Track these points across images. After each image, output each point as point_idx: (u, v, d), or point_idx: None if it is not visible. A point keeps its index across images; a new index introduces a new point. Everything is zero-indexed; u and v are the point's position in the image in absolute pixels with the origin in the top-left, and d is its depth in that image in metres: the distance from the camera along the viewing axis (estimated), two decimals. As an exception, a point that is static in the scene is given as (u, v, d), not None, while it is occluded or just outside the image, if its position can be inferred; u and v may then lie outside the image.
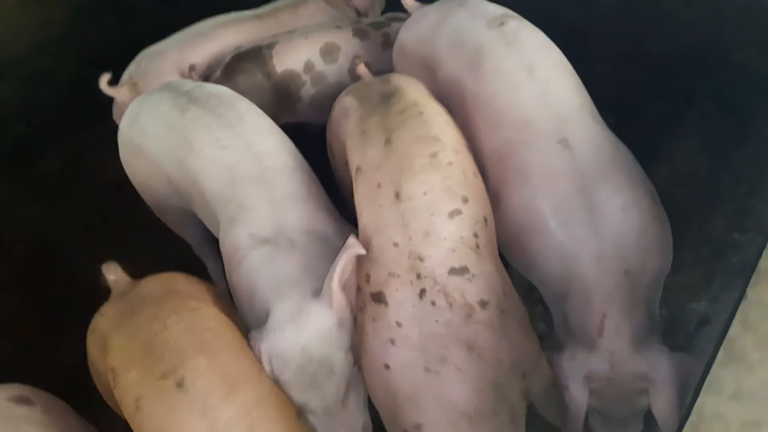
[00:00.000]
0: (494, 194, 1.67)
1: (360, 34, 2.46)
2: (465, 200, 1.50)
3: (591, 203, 1.54)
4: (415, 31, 2.04)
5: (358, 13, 2.96)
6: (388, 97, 1.71)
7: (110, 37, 4.12)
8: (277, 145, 1.85)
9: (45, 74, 3.79)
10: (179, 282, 1.62)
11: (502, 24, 1.81)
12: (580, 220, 1.54)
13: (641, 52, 2.64)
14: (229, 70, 2.35)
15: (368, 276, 1.49)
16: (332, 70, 2.42)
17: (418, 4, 2.18)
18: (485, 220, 1.54)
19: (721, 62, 2.46)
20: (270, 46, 2.41)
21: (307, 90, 2.41)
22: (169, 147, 1.87)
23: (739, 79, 2.45)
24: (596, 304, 1.49)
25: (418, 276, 1.42)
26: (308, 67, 2.39)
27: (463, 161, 1.59)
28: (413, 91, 1.75)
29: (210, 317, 1.49)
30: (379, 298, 1.44)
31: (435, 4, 2.09)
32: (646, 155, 2.53)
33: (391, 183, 1.51)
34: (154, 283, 1.59)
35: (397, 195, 1.49)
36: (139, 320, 1.44)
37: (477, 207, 1.53)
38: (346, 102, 1.87)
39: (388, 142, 1.58)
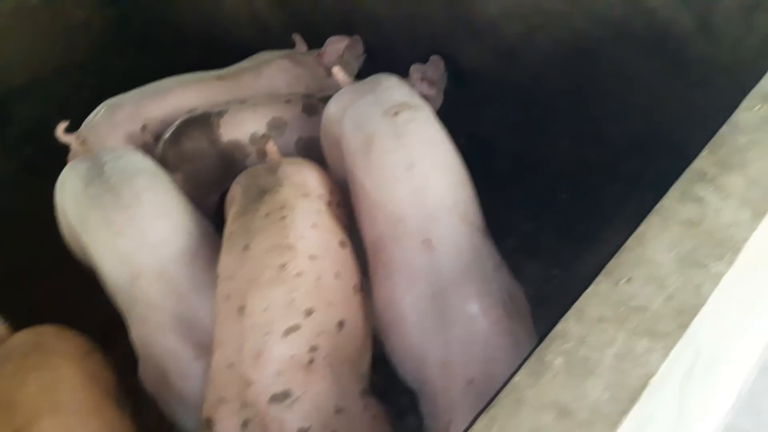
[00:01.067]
0: (370, 286, 1.70)
1: (309, 109, 2.50)
2: (308, 313, 1.49)
3: (443, 308, 1.54)
4: (331, 110, 2.08)
5: (329, 72, 3.04)
6: (263, 194, 1.75)
7: (129, 68, 4.36)
8: (175, 228, 1.85)
9: (62, 99, 4.06)
10: (49, 336, 1.67)
11: (396, 114, 1.85)
12: (430, 324, 1.54)
13: (597, 134, 2.58)
14: (177, 134, 2.40)
15: (204, 396, 1.47)
16: (277, 144, 2.44)
17: (350, 81, 2.23)
18: (339, 325, 1.54)
19: (667, 152, 2.38)
20: (219, 114, 2.45)
21: (252, 161, 2.44)
22: (75, 220, 1.93)
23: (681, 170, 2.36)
24: (442, 410, 1.48)
25: (244, 404, 1.37)
26: (254, 139, 2.44)
27: (321, 267, 1.60)
28: (293, 186, 1.79)
29: (68, 377, 1.54)
30: (208, 425, 1.40)
31: (355, 85, 2.13)
32: (595, 234, 2.55)
33: (239, 296, 1.52)
34: (25, 335, 1.66)
35: (241, 310, 1.49)
36: (1, 373, 1.52)
37: (326, 315, 1.52)
38: (234, 191, 1.91)
39: (246, 248, 1.63)
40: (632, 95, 2.38)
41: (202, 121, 2.42)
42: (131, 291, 1.74)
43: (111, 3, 4.51)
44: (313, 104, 2.52)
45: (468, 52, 2.78)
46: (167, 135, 2.42)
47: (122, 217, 1.80)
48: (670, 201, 1.14)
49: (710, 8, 1.99)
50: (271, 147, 2.05)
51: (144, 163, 2.07)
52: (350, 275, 1.69)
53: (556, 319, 1.00)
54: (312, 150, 2.42)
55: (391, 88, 2.00)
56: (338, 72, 2.23)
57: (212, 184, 2.39)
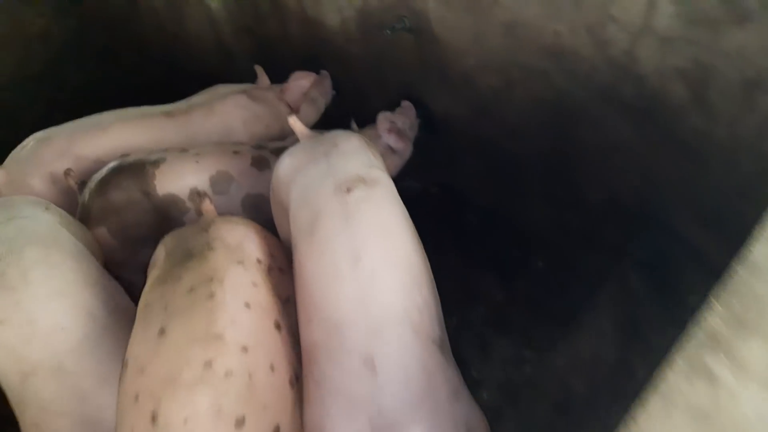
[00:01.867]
0: (302, 395, 1.45)
1: (259, 163, 2.21)
2: (240, 422, 1.26)
3: None
4: (282, 171, 1.82)
5: (291, 110, 2.79)
6: (190, 257, 1.48)
7: (87, 82, 4.10)
8: (72, 310, 1.56)
9: (14, 111, 3.78)
10: None
11: (348, 190, 1.59)
12: None
13: (577, 198, 2.36)
14: (104, 182, 2.07)
15: None
16: (221, 201, 2.14)
17: (307, 132, 1.99)
18: (276, 430, 1.33)
19: (653, 225, 2.16)
20: (155, 162, 2.13)
21: (191, 217, 2.14)
22: None
23: (668, 245, 2.14)
24: None
25: None
26: (193, 195, 2.13)
27: (254, 361, 1.36)
28: (226, 250, 1.53)
29: None
30: None
31: (311, 143, 1.88)
32: (572, 313, 2.32)
33: (151, 398, 1.25)
34: None
35: (154, 418, 1.23)
36: None
37: (261, 423, 1.30)
38: (158, 253, 1.64)
39: (162, 333, 1.34)
40: (617, 161, 2.15)
41: (135, 169, 2.11)
42: (22, 392, 1.47)
43: (71, 14, 4.25)
44: (265, 157, 2.25)
45: (441, 99, 2.55)
46: (93, 183, 2.11)
47: (8, 300, 1.51)
48: (675, 376, 0.90)
49: (707, 81, 1.76)
50: (208, 206, 1.79)
51: (39, 227, 1.73)
52: (286, 366, 1.45)
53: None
54: (260, 209, 2.16)
55: (348, 154, 1.75)
56: (294, 123, 1.98)
57: (143, 241, 2.04)
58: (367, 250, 1.47)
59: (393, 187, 1.69)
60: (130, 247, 2.08)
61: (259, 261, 1.60)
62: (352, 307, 1.39)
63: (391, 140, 2.35)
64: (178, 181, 2.12)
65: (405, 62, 2.57)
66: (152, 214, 2.10)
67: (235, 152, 2.22)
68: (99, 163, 2.28)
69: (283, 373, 1.42)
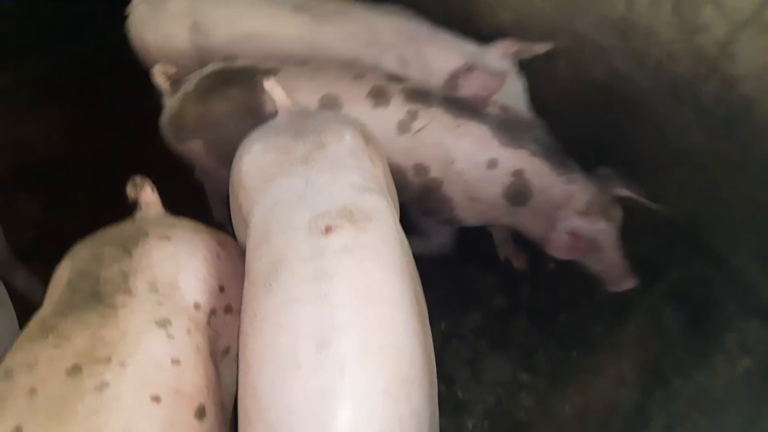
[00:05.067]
0: None
1: (376, 96, 1.70)
2: None
3: None
4: (245, 165, 1.35)
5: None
6: (94, 301, 1.09)
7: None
8: None
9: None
10: None
11: (327, 231, 1.15)
12: None
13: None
14: (208, 89, 1.72)
15: None
16: None
17: (287, 104, 1.51)
18: None
19: (701, 252, 1.79)
20: (268, 72, 1.71)
21: None
22: None
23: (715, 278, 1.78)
24: None
25: None
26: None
27: None
28: (145, 302, 1.12)
29: None
30: None
31: (291, 125, 1.39)
32: (582, 332, 1.99)
33: None
34: None
35: None
36: None
37: None
38: (59, 272, 1.23)
39: (33, 392, 0.98)
40: (677, 172, 1.77)
41: (244, 78, 1.73)
42: None
43: None
44: (387, 92, 1.71)
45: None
46: (192, 85, 1.76)
47: None
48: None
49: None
50: (149, 198, 1.35)
51: None
52: None
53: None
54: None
55: (336, 165, 1.29)
56: (272, 88, 1.49)
57: None
58: (341, 331, 1.04)
59: (392, 222, 1.24)
60: (227, 168, 1.63)
61: (197, 306, 1.18)
62: (305, 417, 0.98)
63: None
64: (289, 96, 1.63)
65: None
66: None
67: (356, 77, 1.75)
68: (203, 47, 1.97)
69: None
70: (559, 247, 1.68)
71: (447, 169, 1.70)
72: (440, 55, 1.86)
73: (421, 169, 1.72)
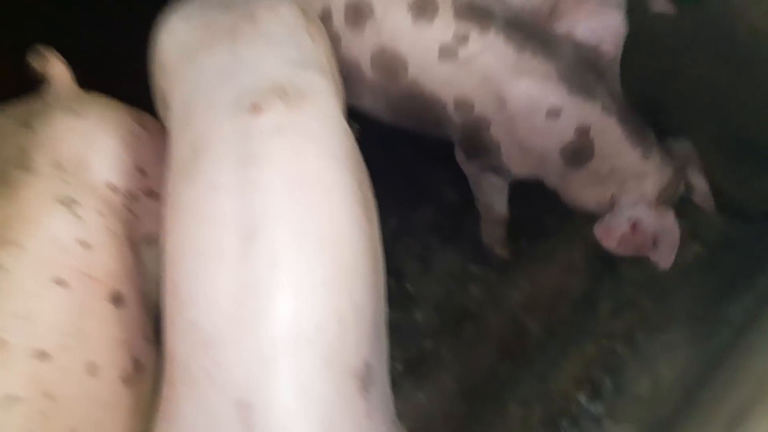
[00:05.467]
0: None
1: (421, 5, 1.40)
2: None
3: None
4: (166, 43, 1.21)
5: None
6: None
7: None
8: None
9: None
10: None
11: (256, 111, 1.02)
12: None
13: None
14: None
15: None
16: (352, 39, 1.47)
17: None
18: None
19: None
20: None
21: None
22: None
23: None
24: None
25: None
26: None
27: (59, 368, 0.94)
28: (48, 177, 1.01)
29: None
30: None
31: (207, 11, 1.22)
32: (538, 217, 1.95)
33: None
34: None
35: None
36: None
37: None
38: None
39: None
40: None
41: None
42: None
43: None
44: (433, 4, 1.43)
45: None
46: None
47: None
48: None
49: None
50: (57, 70, 1.21)
51: None
52: (119, 358, 1.03)
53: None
54: (390, 69, 1.48)
55: (268, 37, 1.16)
56: None
57: None
58: (271, 220, 0.95)
59: (333, 105, 1.12)
60: None
61: (112, 188, 1.07)
62: (232, 312, 0.90)
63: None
64: None
65: None
66: None
67: None
68: None
69: (111, 372, 0.99)
70: (614, 237, 1.45)
71: (497, 110, 1.44)
72: None
73: (463, 104, 1.46)
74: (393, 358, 1.81)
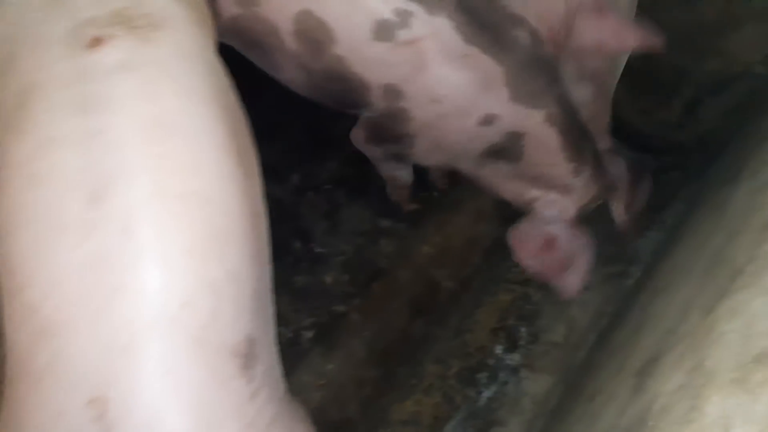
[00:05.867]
0: None
1: None
2: None
3: None
4: None
5: None
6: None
7: None
8: None
9: None
10: None
11: (96, 43, 0.84)
12: None
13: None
14: None
15: None
16: None
17: None
18: None
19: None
20: None
21: None
22: None
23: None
24: None
25: None
26: None
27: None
28: None
29: None
30: None
31: None
32: None
33: None
34: None
35: None
36: None
37: None
38: None
39: None
40: None
41: None
42: None
43: None
44: None
45: None
46: None
47: None
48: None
49: None
50: None
51: None
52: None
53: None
54: None
55: None
56: None
57: None
58: (122, 177, 0.78)
59: (195, 36, 0.94)
60: None
61: None
62: (78, 292, 0.75)
63: None
64: None
65: None
66: None
67: None
68: None
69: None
70: (527, 250, 1.35)
71: (425, 105, 1.25)
72: None
73: (390, 93, 1.26)
74: (301, 325, 1.75)
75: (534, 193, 1.34)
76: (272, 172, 1.84)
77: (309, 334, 1.62)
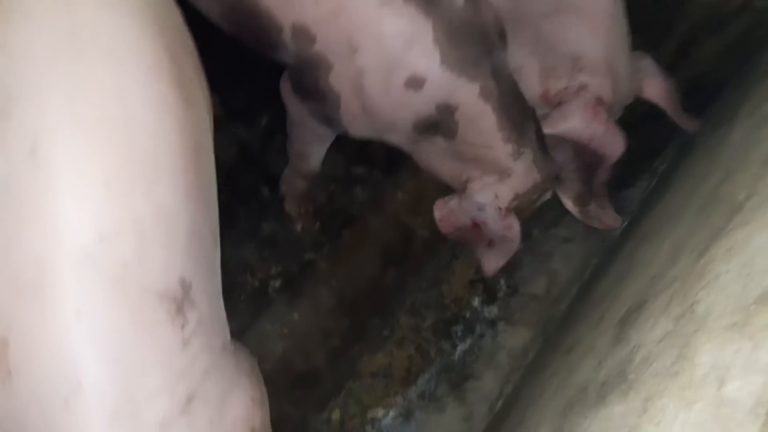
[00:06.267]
0: None
1: None
2: None
3: None
4: None
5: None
6: None
7: None
8: None
9: None
10: None
11: None
12: None
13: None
14: None
15: None
16: None
17: None
18: None
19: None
20: None
21: None
22: None
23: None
24: None
25: None
26: None
27: None
28: None
29: None
30: None
31: None
32: None
33: None
34: None
35: None
36: None
37: None
38: None
39: None
40: None
41: None
42: None
43: None
44: None
45: None
46: None
47: None
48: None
49: None
50: None
51: None
52: None
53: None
54: None
55: None
56: None
57: None
58: (28, 96, 0.68)
59: None
60: None
61: None
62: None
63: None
64: None
65: None
66: None
67: None
68: None
69: None
70: (448, 225, 1.26)
71: (343, 56, 1.11)
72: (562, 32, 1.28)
73: (301, 34, 1.11)
74: (269, 274, 1.66)
75: (470, 173, 1.24)
76: (240, 115, 1.73)
77: (276, 283, 1.53)
